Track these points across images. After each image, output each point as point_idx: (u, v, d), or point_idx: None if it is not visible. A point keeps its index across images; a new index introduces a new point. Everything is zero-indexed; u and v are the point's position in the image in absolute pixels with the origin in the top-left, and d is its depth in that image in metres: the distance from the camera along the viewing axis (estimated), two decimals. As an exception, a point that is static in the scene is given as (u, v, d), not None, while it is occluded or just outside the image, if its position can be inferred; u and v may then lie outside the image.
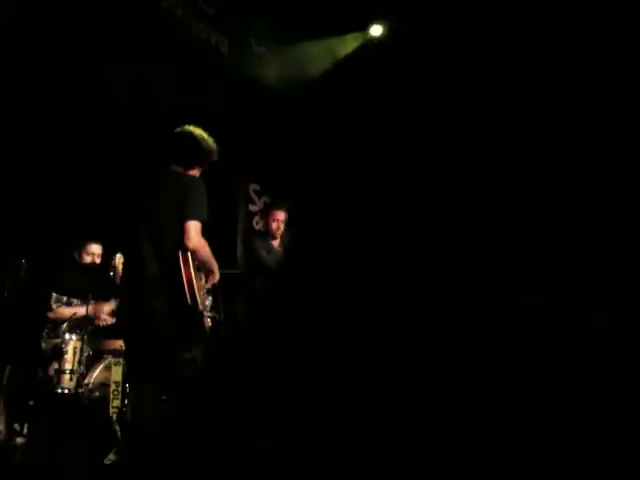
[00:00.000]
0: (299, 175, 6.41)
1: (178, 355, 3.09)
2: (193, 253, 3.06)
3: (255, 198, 6.43)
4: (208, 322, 3.32)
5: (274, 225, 5.13)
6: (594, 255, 5.21)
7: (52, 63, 4.07)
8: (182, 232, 2.99)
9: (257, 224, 6.40)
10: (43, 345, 4.11)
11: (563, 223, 5.60)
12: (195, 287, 3.03)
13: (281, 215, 5.12)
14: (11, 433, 3.87)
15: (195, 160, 3.26)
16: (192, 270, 3.04)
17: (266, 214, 5.24)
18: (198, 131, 3.30)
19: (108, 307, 4.32)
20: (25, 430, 3.85)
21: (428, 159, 6.40)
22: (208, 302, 3.46)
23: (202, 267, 3.22)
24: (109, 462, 3.04)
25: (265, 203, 5.52)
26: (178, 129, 3.31)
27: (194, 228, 3.02)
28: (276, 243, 5.23)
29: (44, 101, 4.03)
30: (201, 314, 3.11)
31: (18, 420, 3.90)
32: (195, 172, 3.28)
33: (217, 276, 3.29)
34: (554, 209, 5.72)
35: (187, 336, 3.13)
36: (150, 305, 2.98)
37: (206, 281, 3.29)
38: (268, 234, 5.22)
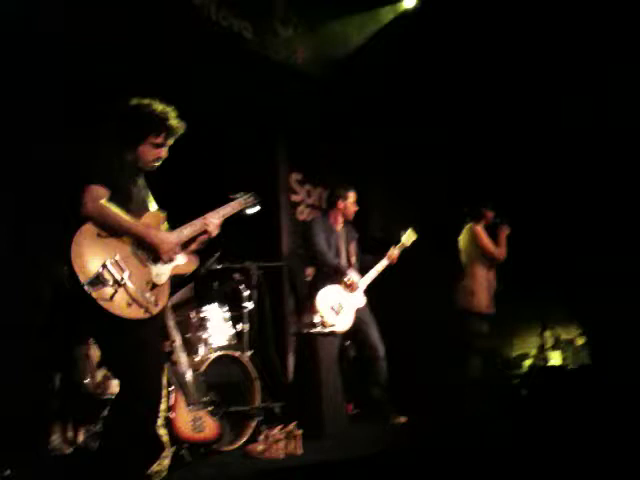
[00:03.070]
0: (343, 160, 6.25)
1: None
2: (93, 222, 2.62)
3: (297, 188, 6.26)
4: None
5: (354, 207, 5.06)
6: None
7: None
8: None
9: (301, 214, 6.23)
10: (90, 352, 4.06)
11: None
12: (77, 259, 2.53)
13: (354, 195, 5.05)
14: (65, 442, 3.85)
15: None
16: (82, 239, 2.59)
17: (344, 197, 5.03)
18: None
19: None
20: (78, 438, 3.82)
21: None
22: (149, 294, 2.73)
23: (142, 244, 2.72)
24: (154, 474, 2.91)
25: (331, 188, 5.32)
26: None
27: (89, 192, 2.62)
28: (341, 226, 5.08)
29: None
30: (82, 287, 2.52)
31: (71, 429, 3.88)
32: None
33: (166, 246, 2.76)
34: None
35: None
36: None
37: (153, 256, 2.75)
38: (333, 217, 5.06)
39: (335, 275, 4.86)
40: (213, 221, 3.05)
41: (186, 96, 4.36)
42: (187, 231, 2.98)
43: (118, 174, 2.76)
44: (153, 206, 2.97)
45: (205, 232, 3.04)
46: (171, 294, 3.79)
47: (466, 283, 5.28)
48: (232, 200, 3.28)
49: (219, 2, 4.85)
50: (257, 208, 3.41)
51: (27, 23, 3.85)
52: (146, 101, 2.85)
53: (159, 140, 2.85)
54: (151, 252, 2.78)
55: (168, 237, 2.83)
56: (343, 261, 4.97)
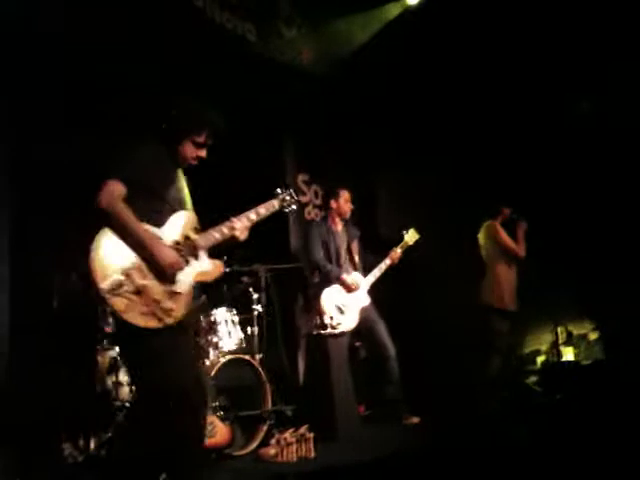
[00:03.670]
0: (350, 159, 6.21)
1: None
2: (105, 217, 2.54)
3: (304, 188, 6.24)
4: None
5: (348, 206, 5.01)
6: None
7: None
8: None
9: (309, 214, 6.21)
10: (99, 358, 4.05)
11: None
12: (96, 262, 2.44)
13: (348, 194, 5.01)
14: (77, 450, 3.84)
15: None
16: (105, 241, 2.50)
17: (335, 197, 5.02)
18: None
19: None
20: (90, 446, 3.81)
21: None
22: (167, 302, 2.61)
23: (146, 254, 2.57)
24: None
25: (329, 188, 5.31)
26: None
27: (108, 187, 2.55)
28: (340, 226, 5.06)
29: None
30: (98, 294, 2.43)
31: (82, 436, 3.86)
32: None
33: (165, 262, 2.58)
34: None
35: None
36: None
37: (155, 268, 2.58)
38: (331, 218, 5.03)
39: (329, 280, 4.81)
40: (240, 226, 2.97)
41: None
42: (214, 237, 2.88)
43: (154, 172, 2.70)
44: (188, 206, 2.90)
45: (233, 237, 2.95)
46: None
47: (488, 280, 5.27)
48: (267, 199, 3.16)
49: (222, 4, 4.83)
50: (295, 206, 3.31)
51: (27, 23, 3.83)
52: (194, 100, 2.85)
53: (201, 139, 2.82)
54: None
55: (170, 254, 2.64)
56: (343, 260, 4.94)
